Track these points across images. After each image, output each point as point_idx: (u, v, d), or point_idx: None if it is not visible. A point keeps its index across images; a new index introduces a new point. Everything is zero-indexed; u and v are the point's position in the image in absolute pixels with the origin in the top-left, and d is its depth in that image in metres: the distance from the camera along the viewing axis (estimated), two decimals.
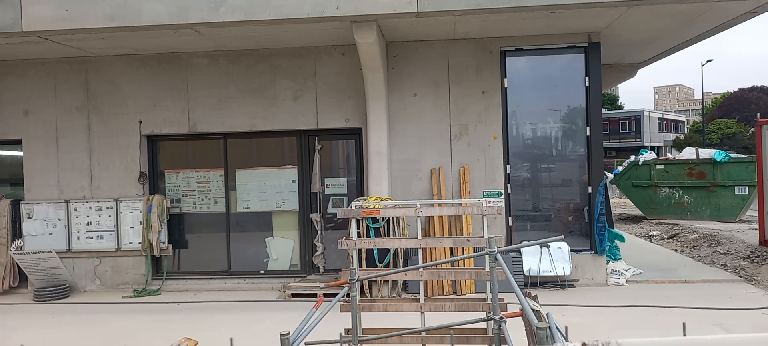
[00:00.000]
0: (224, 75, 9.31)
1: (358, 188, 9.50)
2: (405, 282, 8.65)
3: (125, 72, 9.40)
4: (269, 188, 9.63)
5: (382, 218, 8.17)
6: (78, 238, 9.41)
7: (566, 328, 3.54)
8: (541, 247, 8.69)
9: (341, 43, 9.00)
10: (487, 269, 4.58)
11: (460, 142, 9.08)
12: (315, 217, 9.54)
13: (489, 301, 4.62)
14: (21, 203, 9.49)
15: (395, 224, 8.30)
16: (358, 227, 7.98)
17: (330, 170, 9.74)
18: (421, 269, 4.71)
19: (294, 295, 8.57)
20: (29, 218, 9.41)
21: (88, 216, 9.40)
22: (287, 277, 9.41)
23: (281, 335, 2.39)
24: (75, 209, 9.40)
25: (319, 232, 9.53)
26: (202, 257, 9.73)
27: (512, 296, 6.95)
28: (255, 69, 9.29)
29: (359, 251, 5.22)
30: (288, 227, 9.67)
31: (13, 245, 9.34)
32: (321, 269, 9.52)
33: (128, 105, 9.41)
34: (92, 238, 9.40)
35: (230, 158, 9.66)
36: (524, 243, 4.57)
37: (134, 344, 6.54)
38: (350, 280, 4.04)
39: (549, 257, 8.66)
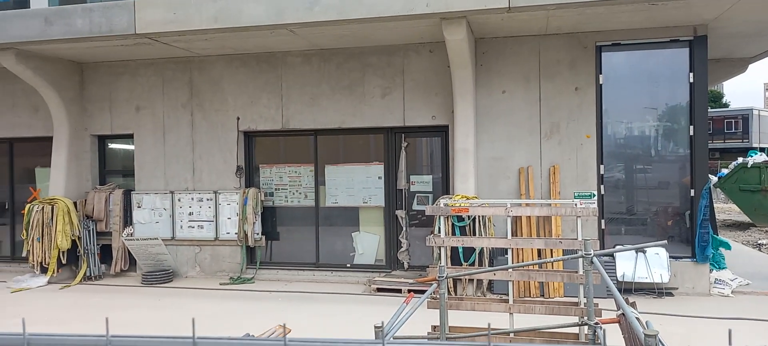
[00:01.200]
0: (317, 73, 9.61)
1: (444, 186, 9.48)
2: (490, 282, 8.54)
3: (226, 71, 9.95)
4: (356, 184, 9.84)
5: (469, 216, 8.11)
6: (181, 227, 10.09)
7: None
8: (636, 252, 8.27)
9: (430, 41, 9.01)
10: (581, 273, 4.44)
11: (550, 140, 8.82)
12: (400, 213, 9.63)
13: (582, 305, 4.47)
14: (132, 192, 10.31)
15: (481, 223, 8.21)
16: (444, 225, 8.00)
17: (415, 168, 9.79)
18: (510, 270, 4.65)
19: (379, 289, 8.71)
20: (139, 206, 10.21)
21: (190, 206, 10.06)
22: (372, 271, 9.58)
23: (375, 327, 2.46)
24: (179, 200, 10.09)
25: (404, 228, 9.62)
26: (292, 248, 10.13)
27: (605, 302, 6.68)
28: (345, 67, 9.52)
29: (445, 248, 5.23)
30: (374, 223, 9.84)
31: (125, 232, 10.17)
32: (405, 266, 9.60)
33: (228, 102, 9.95)
34: (193, 227, 10.04)
35: (320, 154, 9.97)
36: (620, 247, 4.38)
37: (232, 327, 6.93)
38: (439, 277, 4.06)
39: (645, 262, 8.22)
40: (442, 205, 5.37)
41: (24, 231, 9.83)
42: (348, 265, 9.82)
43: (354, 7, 7.44)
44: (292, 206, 10.13)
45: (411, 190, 9.70)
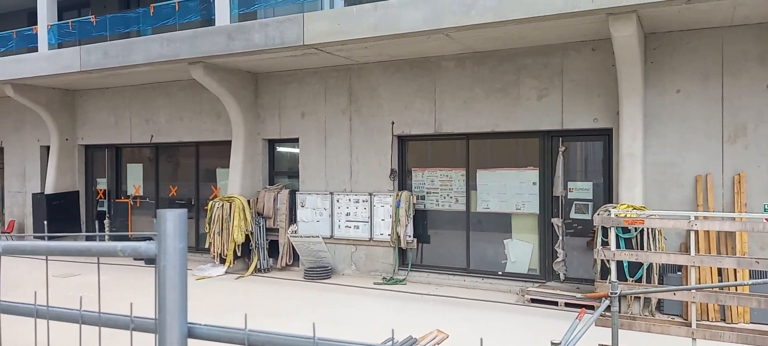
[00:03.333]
0: (470, 76, 9.56)
1: (606, 194, 8.85)
2: (659, 300, 7.78)
3: (382, 77, 10.31)
4: (509, 189, 9.59)
5: (635, 227, 7.47)
6: (339, 226, 10.65)
7: None
8: None
9: (592, 39, 8.49)
10: None
11: (734, 145, 7.81)
12: (556, 222, 9.19)
13: None
14: (296, 192, 11.12)
15: (650, 236, 7.51)
16: (605, 236, 7.45)
17: (573, 173, 9.27)
18: (693, 291, 4.17)
19: (533, 300, 8.38)
20: (302, 206, 10.98)
21: (347, 207, 10.58)
22: (525, 281, 9.26)
23: (552, 343, 2.33)
24: (337, 200, 10.66)
25: (560, 237, 9.15)
26: (442, 252, 10.17)
27: None
28: (499, 69, 9.33)
29: (614, 263, 4.85)
30: (527, 230, 9.51)
31: (290, 229, 11.00)
32: (561, 277, 9.14)
33: (383, 107, 10.30)
34: (350, 227, 10.54)
35: (472, 158, 9.89)
36: None
37: (387, 325, 7.14)
38: (611, 294, 3.77)
39: None
40: (612, 215, 4.99)
41: (207, 225, 11.08)
42: (499, 272, 9.60)
43: (512, 8, 7.26)
44: (443, 210, 10.17)
45: (568, 197, 9.20)
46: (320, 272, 10.27)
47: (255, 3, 10.45)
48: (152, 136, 12.96)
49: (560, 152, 9.17)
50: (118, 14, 13.65)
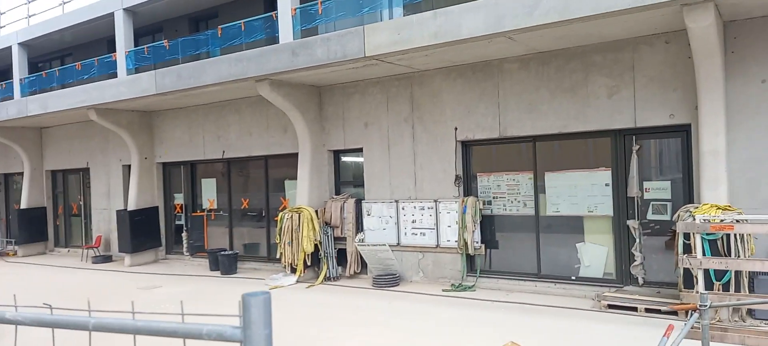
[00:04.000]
0: (534, 78, 9.33)
1: (686, 193, 8.38)
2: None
3: (444, 83, 10.25)
4: (580, 192, 9.27)
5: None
6: (405, 233, 10.66)
7: None
8: None
9: (665, 31, 8.08)
10: None
11: None
12: (632, 223, 8.80)
13: None
14: (362, 201, 11.23)
15: (738, 238, 7.03)
16: (687, 239, 7.04)
17: (649, 172, 8.85)
18: None
19: (611, 306, 8.05)
20: (368, 214, 11.07)
21: (412, 214, 10.57)
22: (600, 286, 8.91)
23: None
24: (402, 208, 10.68)
25: (637, 240, 8.75)
26: (512, 257, 9.96)
27: None
28: (566, 69, 9.06)
29: (701, 270, 4.57)
30: (601, 233, 9.15)
31: (357, 237, 11.12)
32: (640, 281, 8.73)
33: (446, 113, 10.23)
34: (416, 234, 10.53)
35: (539, 161, 9.64)
36: None
37: (459, 335, 7.06)
38: (700, 306, 3.56)
39: None
40: (694, 219, 4.71)
41: (277, 236, 11.39)
42: (572, 277, 9.29)
43: (578, 6, 7.03)
44: (510, 215, 9.96)
45: (644, 198, 8.79)
46: (388, 280, 10.31)
47: (316, 19, 10.68)
48: (224, 151, 13.49)
49: (634, 151, 8.78)
50: (188, 37, 14.33)
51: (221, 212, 14.13)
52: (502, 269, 10.00)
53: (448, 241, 10.18)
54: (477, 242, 9.92)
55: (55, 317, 1.24)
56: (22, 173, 18.14)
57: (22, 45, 18.71)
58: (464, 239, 9.90)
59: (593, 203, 9.18)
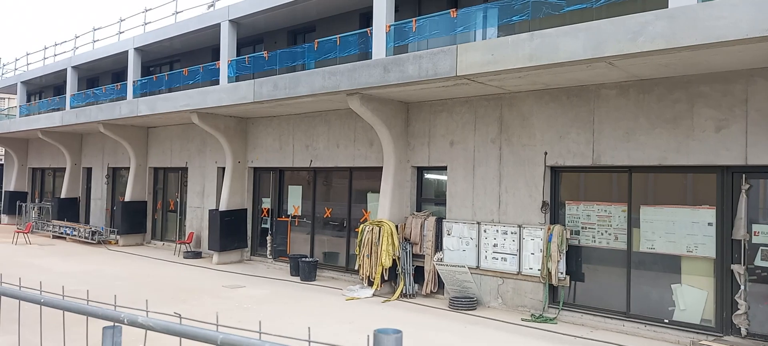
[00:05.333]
0: (633, 105, 8.89)
1: None
2: None
3: (535, 106, 10.00)
4: (678, 229, 8.68)
5: None
6: (485, 257, 10.45)
7: None
8: None
9: None
10: None
11: None
12: (737, 268, 8.11)
13: None
14: (443, 220, 11.15)
15: None
16: None
17: (758, 215, 8.14)
18: None
19: None
20: (448, 234, 10.97)
21: (495, 238, 10.35)
22: (697, 332, 8.27)
23: None
24: (484, 231, 10.48)
25: (742, 287, 8.05)
26: (598, 292, 9.48)
27: None
28: (668, 98, 8.56)
29: None
30: (700, 275, 8.51)
31: (436, 256, 11.04)
32: (742, 332, 8.01)
33: (536, 137, 9.97)
34: (497, 259, 10.29)
35: (634, 193, 9.14)
36: None
37: None
38: None
39: None
40: None
41: (357, 247, 11.54)
42: (665, 320, 8.68)
43: (686, 33, 6.63)
44: (599, 247, 9.50)
45: (753, 241, 8.09)
46: (465, 303, 10.13)
47: (410, 36, 10.79)
48: (311, 160, 13.90)
49: (743, 190, 8.12)
50: (286, 50, 14.97)
51: (305, 219, 14.54)
52: (587, 303, 9.54)
53: (531, 269, 9.86)
54: (562, 273, 9.54)
55: (184, 328, 1.30)
56: (128, 168, 19.63)
57: (138, 50, 20.34)
58: (548, 268, 9.55)
59: (693, 243, 8.57)
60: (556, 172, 9.96)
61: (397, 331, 1.19)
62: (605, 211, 9.46)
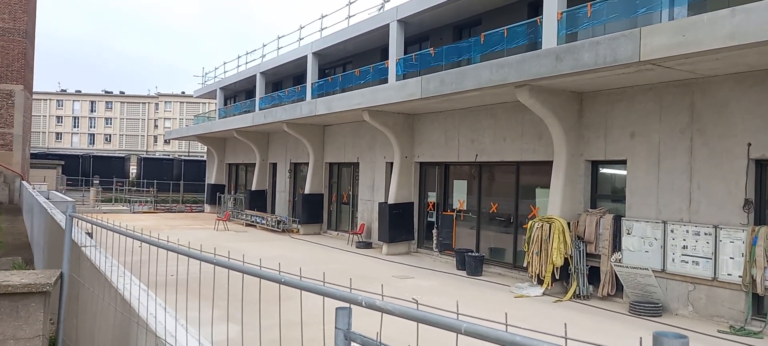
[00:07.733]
0: None
1: None
2: None
3: (734, 92, 8.81)
4: None
5: None
6: (672, 260, 9.48)
7: None
8: None
9: None
10: None
11: None
12: None
13: None
14: (621, 218, 10.34)
15: None
16: None
17: None
18: None
19: None
20: (628, 233, 10.15)
21: (684, 239, 9.33)
22: None
23: None
24: (671, 231, 9.51)
25: None
26: None
27: None
28: None
29: None
30: None
31: (613, 257, 10.28)
32: None
33: (736, 126, 8.78)
34: (687, 262, 9.27)
35: None
36: None
37: None
38: None
39: None
40: None
41: (525, 244, 11.22)
42: None
43: None
44: None
45: None
46: (649, 309, 9.29)
47: (584, 22, 10.18)
48: (477, 155, 13.84)
49: None
50: (451, 45, 15.07)
51: (470, 214, 14.53)
52: None
53: (729, 275, 8.72)
54: None
55: (423, 314, 1.38)
56: (307, 164, 21.39)
57: (315, 54, 22.05)
58: (751, 275, 8.36)
59: None
60: (762, 166, 8.67)
61: (683, 336, 1.11)
62: None
